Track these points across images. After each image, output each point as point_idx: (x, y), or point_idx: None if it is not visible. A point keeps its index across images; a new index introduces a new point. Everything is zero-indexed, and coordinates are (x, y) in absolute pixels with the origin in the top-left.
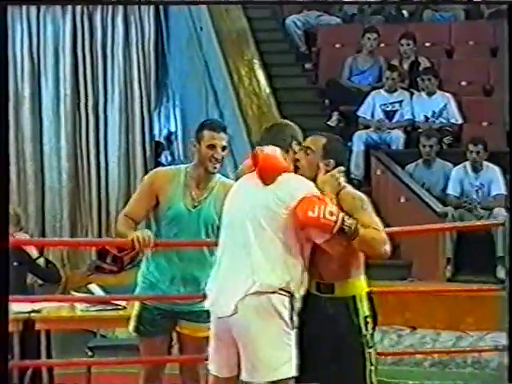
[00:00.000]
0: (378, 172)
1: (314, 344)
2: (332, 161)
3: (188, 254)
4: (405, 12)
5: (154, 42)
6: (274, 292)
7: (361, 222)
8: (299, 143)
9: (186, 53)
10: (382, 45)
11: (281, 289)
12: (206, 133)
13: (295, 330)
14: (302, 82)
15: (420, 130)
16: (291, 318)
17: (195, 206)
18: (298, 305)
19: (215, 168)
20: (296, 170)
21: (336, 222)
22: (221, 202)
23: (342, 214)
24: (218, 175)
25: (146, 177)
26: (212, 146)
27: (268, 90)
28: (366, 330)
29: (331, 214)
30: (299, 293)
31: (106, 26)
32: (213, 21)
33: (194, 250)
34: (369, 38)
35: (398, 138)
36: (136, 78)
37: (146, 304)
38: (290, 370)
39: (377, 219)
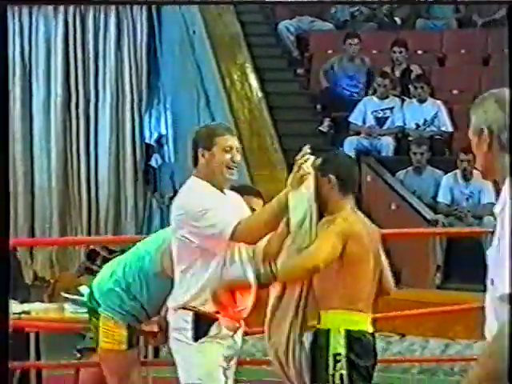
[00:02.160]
0: (369, 178)
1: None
2: (332, 177)
3: None
4: (397, 19)
5: (147, 44)
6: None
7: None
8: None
9: (179, 56)
10: (375, 51)
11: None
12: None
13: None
14: (294, 87)
15: (410, 138)
16: (195, 333)
17: None
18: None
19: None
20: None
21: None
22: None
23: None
24: None
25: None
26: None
27: (260, 95)
28: (334, 369)
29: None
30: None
31: (98, 28)
32: (206, 25)
33: None
34: (350, 44)
35: (388, 144)
36: (127, 80)
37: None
38: (197, 380)
39: (326, 239)
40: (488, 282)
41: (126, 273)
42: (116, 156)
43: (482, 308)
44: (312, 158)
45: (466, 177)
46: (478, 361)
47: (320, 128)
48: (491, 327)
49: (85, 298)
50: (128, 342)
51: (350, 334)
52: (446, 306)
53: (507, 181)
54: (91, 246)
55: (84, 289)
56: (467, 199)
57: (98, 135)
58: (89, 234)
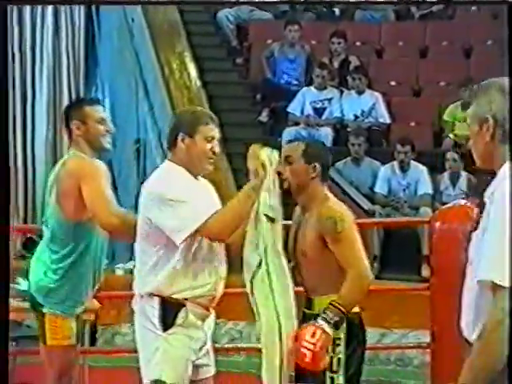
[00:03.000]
0: None
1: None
2: (317, 165)
3: None
4: (336, 10)
5: (84, 31)
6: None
7: (335, 252)
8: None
9: (117, 44)
10: (314, 42)
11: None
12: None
13: (172, 332)
14: (233, 77)
15: (349, 129)
16: (163, 321)
17: None
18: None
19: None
20: (282, 183)
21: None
22: None
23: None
24: None
25: None
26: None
27: (199, 84)
28: (334, 353)
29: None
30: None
31: (35, 13)
32: (145, 12)
33: None
34: (290, 30)
35: (326, 135)
36: (65, 67)
37: None
38: (161, 372)
39: (356, 244)
40: (468, 264)
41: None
42: (53, 144)
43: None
44: (266, 148)
45: (403, 168)
46: (467, 362)
47: (259, 118)
48: (467, 313)
49: (22, 287)
50: (77, 335)
51: (348, 317)
52: (382, 296)
53: (505, 166)
54: (28, 235)
55: (22, 282)
56: (404, 190)
57: (35, 122)
58: (25, 222)
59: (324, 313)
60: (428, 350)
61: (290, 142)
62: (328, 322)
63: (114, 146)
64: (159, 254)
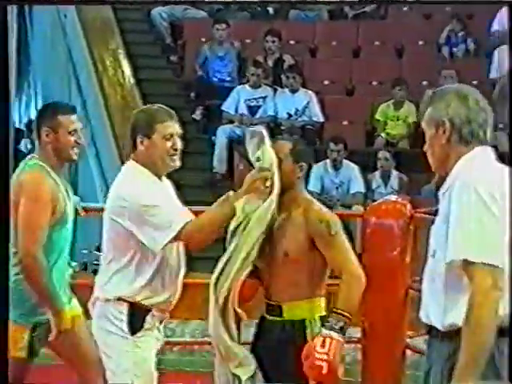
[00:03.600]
0: (241, 166)
1: (264, 372)
2: (304, 164)
3: None
4: (270, 9)
5: (17, 27)
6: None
7: (327, 256)
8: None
9: (50, 40)
10: (248, 40)
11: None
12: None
13: (141, 335)
14: (167, 74)
15: (282, 127)
16: (131, 325)
17: None
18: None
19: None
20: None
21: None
22: None
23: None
24: None
25: None
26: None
27: (133, 81)
28: None
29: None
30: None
31: None
32: (77, 9)
33: None
34: (217, 29)
35: None
36: None
37: None
38: (129, 378)
39: (347, 246)
40: (429, 256)
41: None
42: None
43: None
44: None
45: (336, 166)
46: (463, 347)
47: (193, 116)
48: (435, 303)
49: None
50: (29, 348)
51: (322, 321)
52: None
53: (459, 163)
54: None
55: None
56: (337, 188)
57: None
58: None
59: (327, 321)
60: (360, 347)
61: (275, 139)
62: (333, 329)
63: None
64: (132, 261)
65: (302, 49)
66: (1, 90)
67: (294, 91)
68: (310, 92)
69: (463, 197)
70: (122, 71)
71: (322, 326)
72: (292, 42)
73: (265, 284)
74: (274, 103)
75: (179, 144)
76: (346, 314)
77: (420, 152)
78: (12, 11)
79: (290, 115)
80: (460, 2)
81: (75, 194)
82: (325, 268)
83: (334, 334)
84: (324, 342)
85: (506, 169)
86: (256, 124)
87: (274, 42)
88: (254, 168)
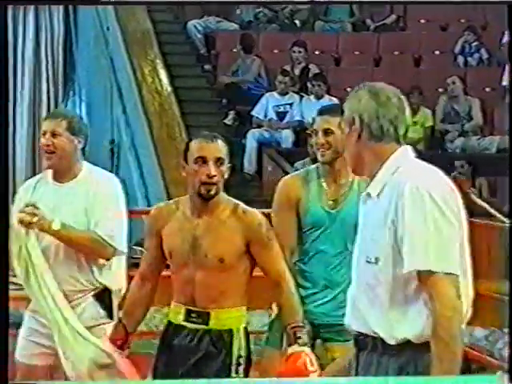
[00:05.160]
0: (270, 168)
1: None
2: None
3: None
4: (297, 21)
5: (63, 39)
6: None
7: (263, 260)
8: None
9: (93, 50)
10: (276, 51)
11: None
12: (319, 118)
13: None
14: (202, 82)
15: (308, 131)
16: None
17: (334, 207)
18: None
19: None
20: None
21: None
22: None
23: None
24: None
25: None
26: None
27: (169, 89)
28: (237, 373)
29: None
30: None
31: (17, 24)
32: (119, 22)
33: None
34: (294, 51)
35: (287, 137)
36: (44, 73)
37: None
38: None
39: (280, 254)
40: (362, 261)
41: None
42: (32, 146)
43: None
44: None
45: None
46: (434, 361)
47: (225, 121)
48: (366, 313)
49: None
50: None
51: (246, 332)
52: None
53: (393, 161)
54: None
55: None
56: None
57: (15, 125)
58: None
59: (298, 338)
60: None
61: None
62: (305, 345)
63: (88, 146)
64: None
65: (326, 58)
66: (1, 91)
67: (319, 98)
68: (334, 98)
69: (417, 204)
70: (160, 79)
71: (290, 344)
72: (317, 52)
73: (188, 290)
74: (301, 109)
75: (49, 142)
76: (301, 324)
77: (436, 154)
78: (59, 26)
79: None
80: (460, 2)
81: None
82: (251, 274)
83: (308, 350)
84: (310, 360)
85: (439, 170)
86: (283, 128)
87: (300, 52)
88: (282, 169)
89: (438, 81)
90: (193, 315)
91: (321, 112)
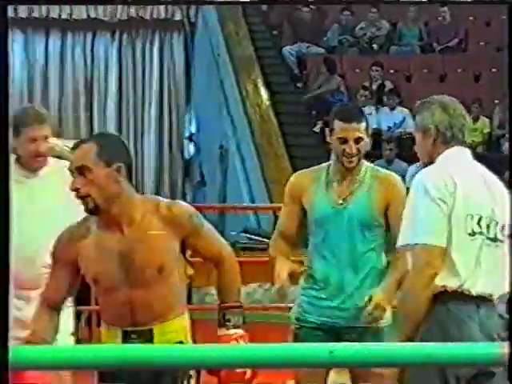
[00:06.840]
0: None
1: None
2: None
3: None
4: (375, 46)
5: (184, 66)
6: None
7: (201, 247)
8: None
9: (206, 73)
10: (357, 70)
11: None
12: (337, 123)
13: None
14: (294, 97)
15: (383, 137)
16: None
17: (341, 204)
18: None
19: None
20: None
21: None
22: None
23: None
24: (365, 166)
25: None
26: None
27: (268, 103)
28: None
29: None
30: None
31: (144, 53)
32: (228, 48)
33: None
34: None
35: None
36: (166, 92)
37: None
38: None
39: (214, 235)
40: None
41: None
42: (159, 149)
43: None
44: None
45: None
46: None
47: (313, 129)
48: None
49: None
50: None
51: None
52: None
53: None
54: None
55: None
56: None
57: (143, 134)
58: None
59: (227, 320)
60: None
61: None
62: (237, 326)
63: (202, 151)
64: None
65: (399, 76)
66: (1, 91)
67: (392, 109)
68: (405, 109)
69: (411, 190)
70: (260, 95)
71: (222, 325)
72: (392, 71)
73: (124, 312)
74: (377, 118)
75: (43, 147)
76: (238, 304)
77: (495, 156)
78: (180, 54)
79: (389, 128)
80: (460, 3)
81: (223, 194)
82: (186, 276)
83: (239, 331)
84: (239, 342)
85: (475, 164)
86: None
87: (377, 71)
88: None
89: (494, 94)
90: (133, 336)
91: (345, 118)
